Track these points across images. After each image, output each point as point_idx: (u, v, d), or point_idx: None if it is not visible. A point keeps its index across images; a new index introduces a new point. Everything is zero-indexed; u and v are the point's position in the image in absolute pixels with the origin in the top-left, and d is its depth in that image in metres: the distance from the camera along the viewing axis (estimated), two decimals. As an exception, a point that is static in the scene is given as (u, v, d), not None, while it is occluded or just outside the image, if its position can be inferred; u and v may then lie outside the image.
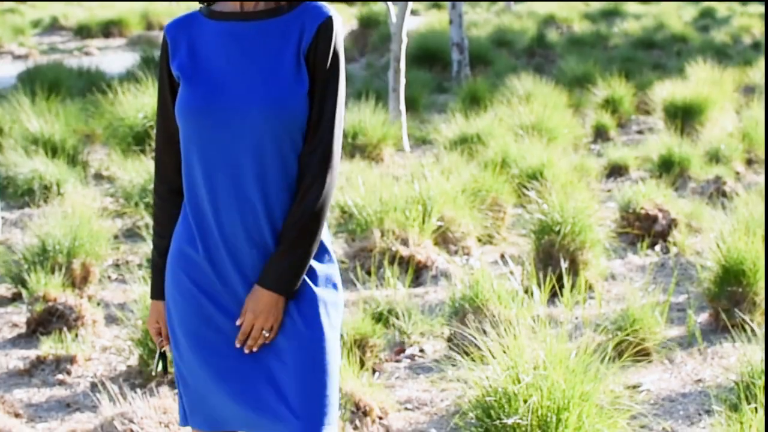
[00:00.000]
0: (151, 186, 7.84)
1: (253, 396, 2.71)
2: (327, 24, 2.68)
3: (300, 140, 2.69)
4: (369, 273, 6.51)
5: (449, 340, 5.39)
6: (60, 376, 5.29)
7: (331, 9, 2.72)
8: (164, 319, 2.84)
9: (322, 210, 2.68)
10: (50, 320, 5.74)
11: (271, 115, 2.64)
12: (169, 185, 2.81)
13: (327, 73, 2.68)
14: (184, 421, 2.84)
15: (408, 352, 5.52)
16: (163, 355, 2.90)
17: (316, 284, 2.73)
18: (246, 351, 2.70)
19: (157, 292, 2.85)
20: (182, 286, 2.75)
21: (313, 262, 2.73)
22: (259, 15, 2.71)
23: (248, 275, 2.71)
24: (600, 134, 11.73)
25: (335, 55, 2.69)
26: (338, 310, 2.77)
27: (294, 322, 2.70)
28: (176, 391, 4.85)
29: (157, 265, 2.84)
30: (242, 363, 2.72)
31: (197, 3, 2.81)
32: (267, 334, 2.68)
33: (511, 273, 6.29)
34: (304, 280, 2.71)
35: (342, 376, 4.54)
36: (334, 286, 2.77)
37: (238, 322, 2.70)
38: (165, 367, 2.93)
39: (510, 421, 3.98)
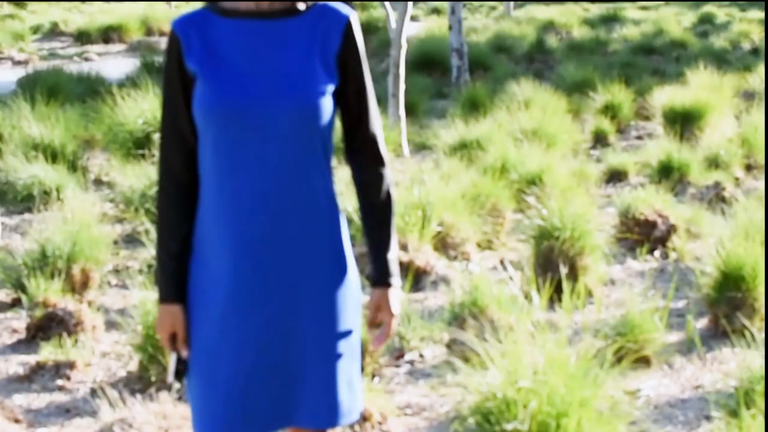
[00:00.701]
0: (151, 191, 7.83)
1: (283, 391, 2.75)
2: (350, 25, 2.74)
3: (327, 137, 2.73)
4: (368, 278, 6.50)
5: (449, 345, 5.39)
6: (60, 382, 5.29)
7: (347, 8, 2.76)
8: (181, 322, 2.77)
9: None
10: (50, 326, 5.74)
11: (300, 112, 2.66)
12: (177, 183, 2.77)
13: (359, 71, 2.77)
14: None
15: (407, 357, 5.52)
16: (180, 361, 2.79)
17: (347, 285, 2.86)
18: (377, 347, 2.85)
19: (171, 295, 2.78)
20: (216, 287, 2.74)
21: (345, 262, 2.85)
22: (277, 14, 2.72)
23: (268, 273, 2.71)
24: (599, 140, 11.74)
25: (362, 52, 2.78)
26: (360, 308, 2.92)
27: (330, 317, 2.81)
28: (176, 396, 4.87)
29: (170, 268, 2.78)
30: (273, 357, 2.74)
31: (196, 7, 2.80)
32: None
33: (511, 278, 6.29)
34: (344, 280, 2.84)
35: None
36: (359, 286, 2.90)
37: (378, 341, 2.88)
38: (182, 375, 2.81)
39: (509, 427, 3.97)
